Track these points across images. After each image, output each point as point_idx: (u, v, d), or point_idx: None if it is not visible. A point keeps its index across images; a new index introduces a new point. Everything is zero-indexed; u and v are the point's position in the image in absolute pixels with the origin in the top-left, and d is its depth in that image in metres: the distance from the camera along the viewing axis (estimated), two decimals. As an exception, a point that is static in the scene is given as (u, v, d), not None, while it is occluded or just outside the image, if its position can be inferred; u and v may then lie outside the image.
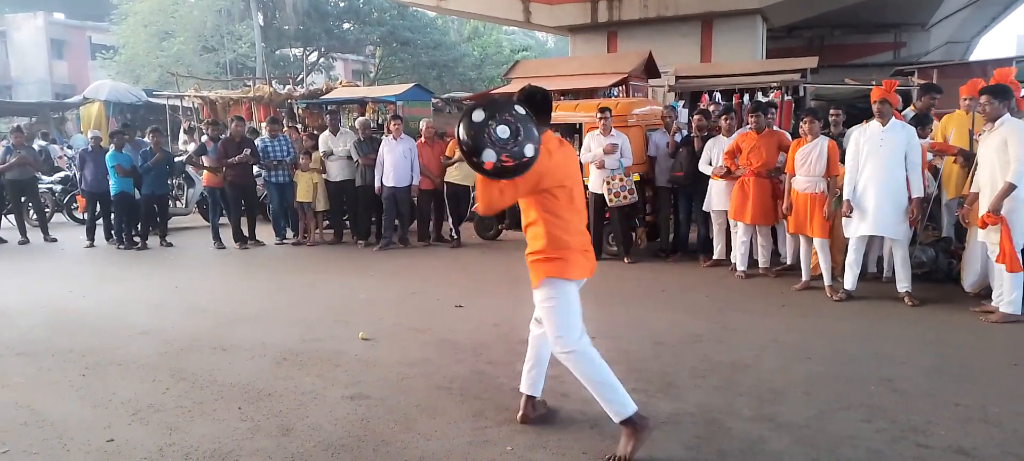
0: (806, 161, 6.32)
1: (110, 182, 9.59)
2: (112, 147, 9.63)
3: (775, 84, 10.04)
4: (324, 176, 9.66)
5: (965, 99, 6.56)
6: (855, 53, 23.08)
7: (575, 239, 3.32)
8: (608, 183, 7.68)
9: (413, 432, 3.63)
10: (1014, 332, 5.11)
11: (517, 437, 3.53)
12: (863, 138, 5.91)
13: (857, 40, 23.74)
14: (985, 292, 5.80)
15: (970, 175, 5.98)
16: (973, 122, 6.40)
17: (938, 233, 6.84)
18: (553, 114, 9.07)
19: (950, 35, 27.75)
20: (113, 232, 10.02)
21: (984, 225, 5.25)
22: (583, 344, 3.33)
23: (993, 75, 5.91)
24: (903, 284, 5.94)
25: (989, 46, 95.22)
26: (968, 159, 6.23)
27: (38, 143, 15.22)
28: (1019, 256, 5.21)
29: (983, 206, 5.37)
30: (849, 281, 6.08)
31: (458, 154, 9.17)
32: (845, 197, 5.98)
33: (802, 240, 6.53)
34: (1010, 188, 5.12)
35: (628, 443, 3.24)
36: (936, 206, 6.95)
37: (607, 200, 7.76)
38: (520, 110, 2.97)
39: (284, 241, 9.93)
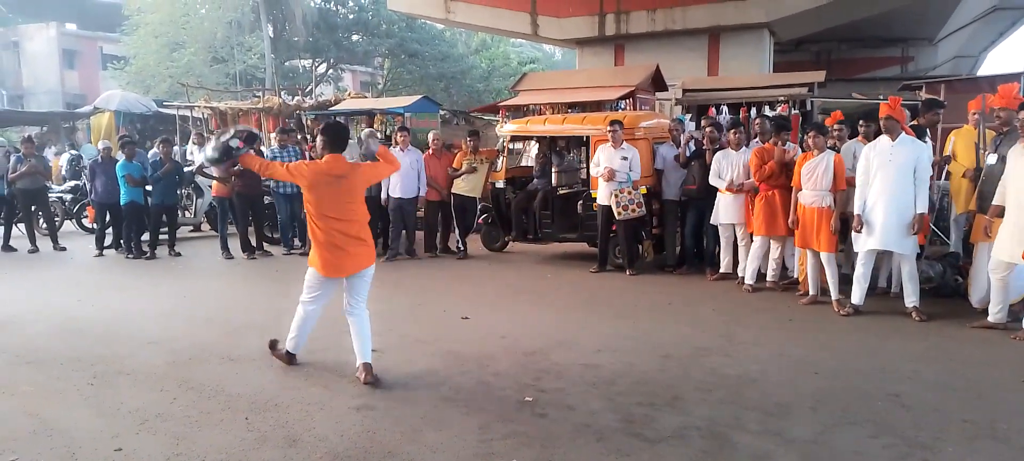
0: (813, 175, 6.31)
1: (120, 192, 9.65)
2: (123, 157, 9.70)
3: (782, 98, 10.04)
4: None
5: (974, 114, 6.56)
6: (862, 67, 23.08)
7: (324, 239, 4.48)
8: (616, 196, 7.69)
9: (419, 443, 3.63)
10: (1022, 349, 5.08)
11: (523, 450, 3.53)
12: (873, 153, 5.91)
13: (864, 54, 23.73)
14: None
15: (977, 189, 5.98)
16: (981, 137, 6.41)
17: (946, 248, 6.82)
18: (542, 129, 9.09)
19: (958, 50, 27.74)
20: (122, 241, 10.08)
21: None
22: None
23: (998, 91, 5.90)
24: (911, 299, 5.92)
25: (997, 61, 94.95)
26: (974, 176, 6.23)
27: (71, 151, 15.44)
28: None
29: (1009, 228, 5.24)
30: (857, 296, 6.07)
31: (466, 166, 9.23)
32: (856, 211, 5.98)
33: (809, 254, 6.51)
34: None
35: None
36: (944, 221, 6.93)
37: (615, 213, 7.77)
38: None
39: (292, 251, 9.97)
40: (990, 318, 5.51)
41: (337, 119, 4.58)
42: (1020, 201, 5.17)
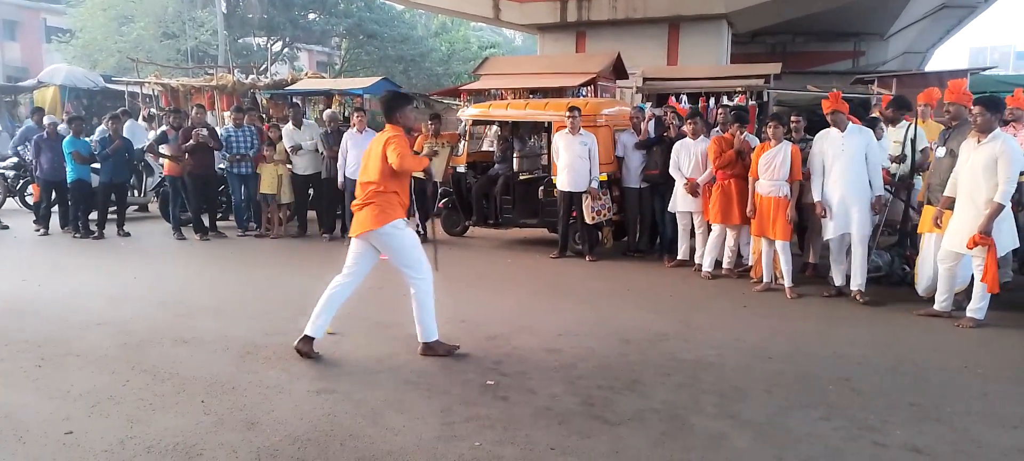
0: (770, 165, 6.44)
1: (67, 169, 9.33)
2: (70, 133, 9.37)
3: (740, 89, 10.21)
4: (289, 167, 9.53)
5: (921, 106, 6.79)
6: (816, 60, 23.60)
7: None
8: (592, 200, 7.78)
9: (380, 426, 3.62)
10: (966, 335, 5.28)
11: (485, 432, 3.54)
12: (826, 143, 6.22)
13: (818, 48, 24.29)
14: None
15: (925, 178, 6.21)
16: (915, 129, 6.67)
17: (894, 238, 7.04)
18: (504, 113, 8.99)
19: (907, 46, 28.58)
20: (70, 220, 9.74)
21: (974, 244, 5.21)
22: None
23: (947, 86, 6.09)
24: (856, 281, 6.14)
25: (944, 57, 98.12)
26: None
27: (28, 123, 14.84)
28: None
29: (959, 220, 5.40)
30: (838, 277, 6.36)
31: (426, 149, 9.15)
32: (816, 198, 6.24)
33: (764, 242, 6.65)
34: (999, 208, 5.13)
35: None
36: (892, 213, 7.14)
37: (588, 219, 7.84)
38: None
39: (247, 233, 9.78)
40: (936, 306, 5.71)
41: (395, 92, 5.13)
42: (971, 193, 5.34)
